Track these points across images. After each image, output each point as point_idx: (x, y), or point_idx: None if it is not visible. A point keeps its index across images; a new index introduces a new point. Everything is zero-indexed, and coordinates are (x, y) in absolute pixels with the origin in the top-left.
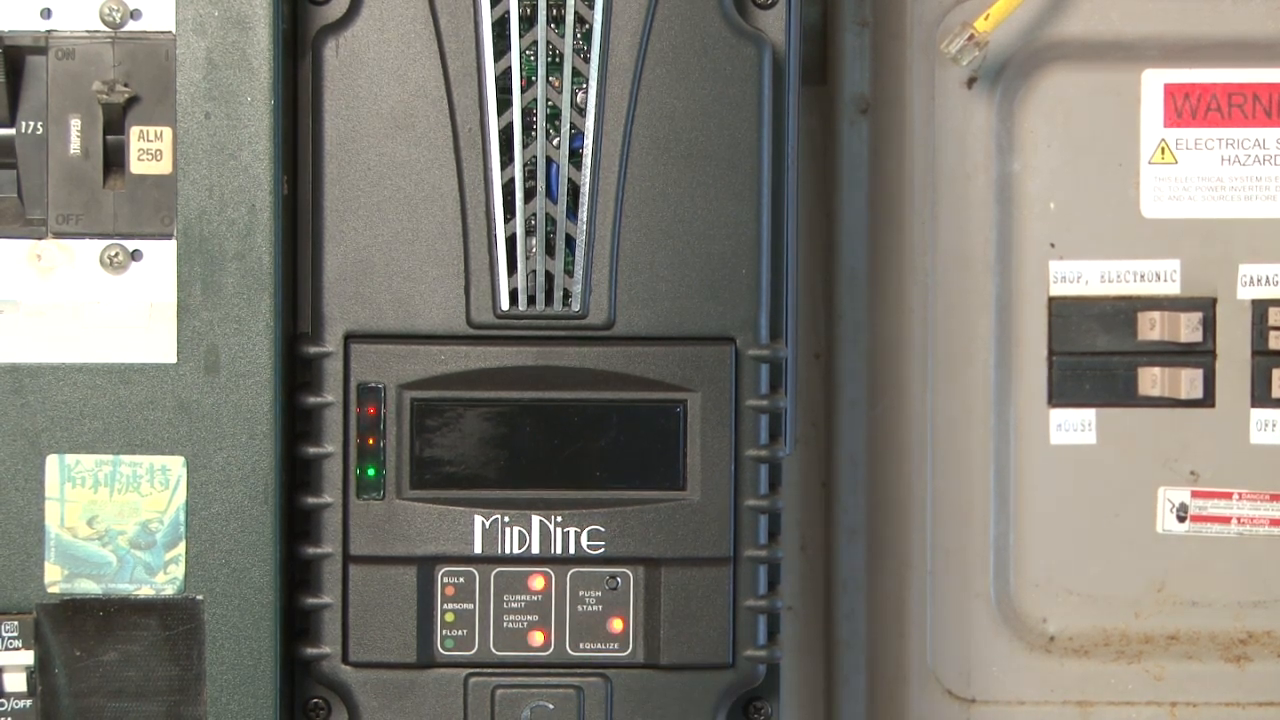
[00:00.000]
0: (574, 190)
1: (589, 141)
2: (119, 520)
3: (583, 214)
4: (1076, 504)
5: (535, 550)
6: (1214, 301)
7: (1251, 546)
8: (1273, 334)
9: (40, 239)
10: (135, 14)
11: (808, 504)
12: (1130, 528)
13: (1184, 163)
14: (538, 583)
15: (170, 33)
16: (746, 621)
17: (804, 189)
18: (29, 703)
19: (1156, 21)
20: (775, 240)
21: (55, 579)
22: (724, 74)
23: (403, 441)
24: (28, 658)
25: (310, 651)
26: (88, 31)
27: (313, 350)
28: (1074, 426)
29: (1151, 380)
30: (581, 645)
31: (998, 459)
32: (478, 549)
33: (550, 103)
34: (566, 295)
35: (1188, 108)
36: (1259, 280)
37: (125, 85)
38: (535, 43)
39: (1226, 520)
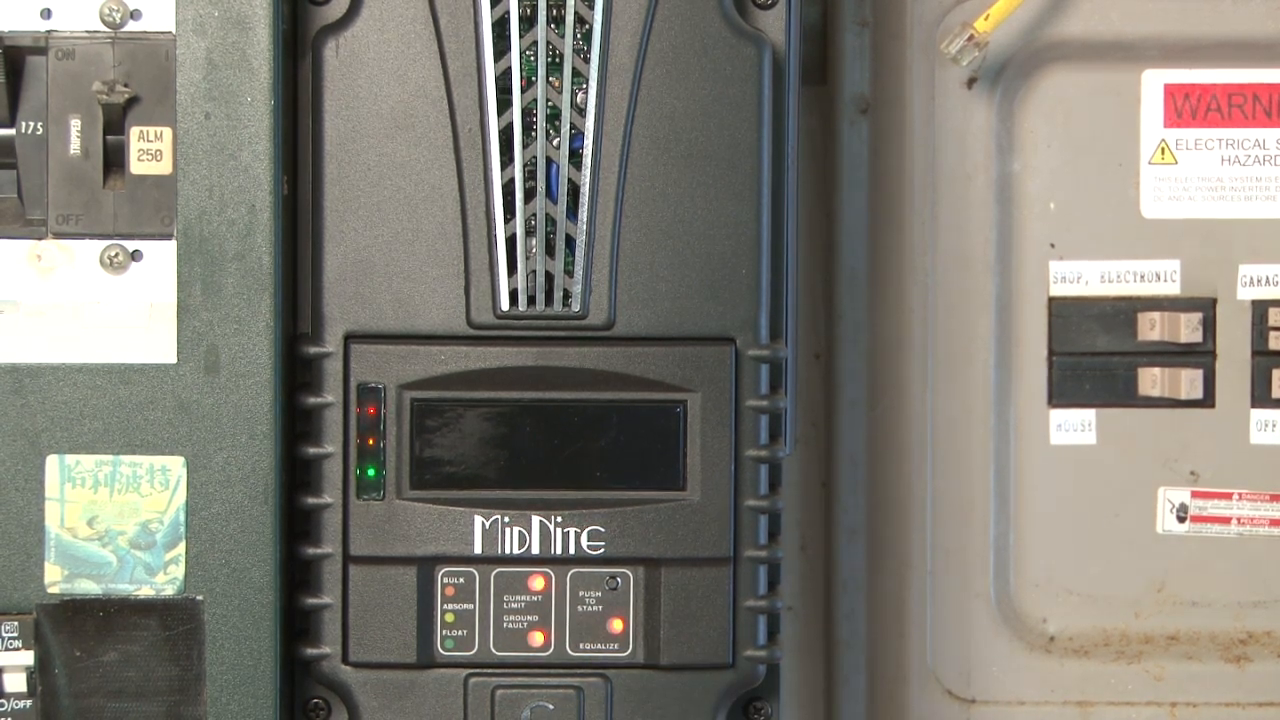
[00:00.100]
0: (574, 190)
1: (589, 141)
2: (119, 520)
3: (583, 214)
4: (1076, 504)
5: (535, 550)
6: (1214, 302)
7: (1251, 547)
8: (1273, 334)
9: (40, 239)
10: (135, 14)
11: (808, 504)
12: (1130, 528)
13: (1184, 163)
14: (538, 583)
15: (170, 33)
16: (746, 621)
17: (804, 189)
18: (29, 703)
19: (1156, 21)
20: (775, 240)
21: (55, 579)
22: (724, 74)
23: (403, 442)
24: (28, 658)
25: (310, 651)
26: (88, 32)
27: (313, 350)
28: (1074, 426)
29: (1151, 380)
30: (581, 645)
31: (998, 459)
32: (478, 549)
33: (550, 103)
34: (566, 295)
35: (1188, 108)
36: (1259, 280)
37: (125, 85)
38: (535, 43)
39: (1226, 520)
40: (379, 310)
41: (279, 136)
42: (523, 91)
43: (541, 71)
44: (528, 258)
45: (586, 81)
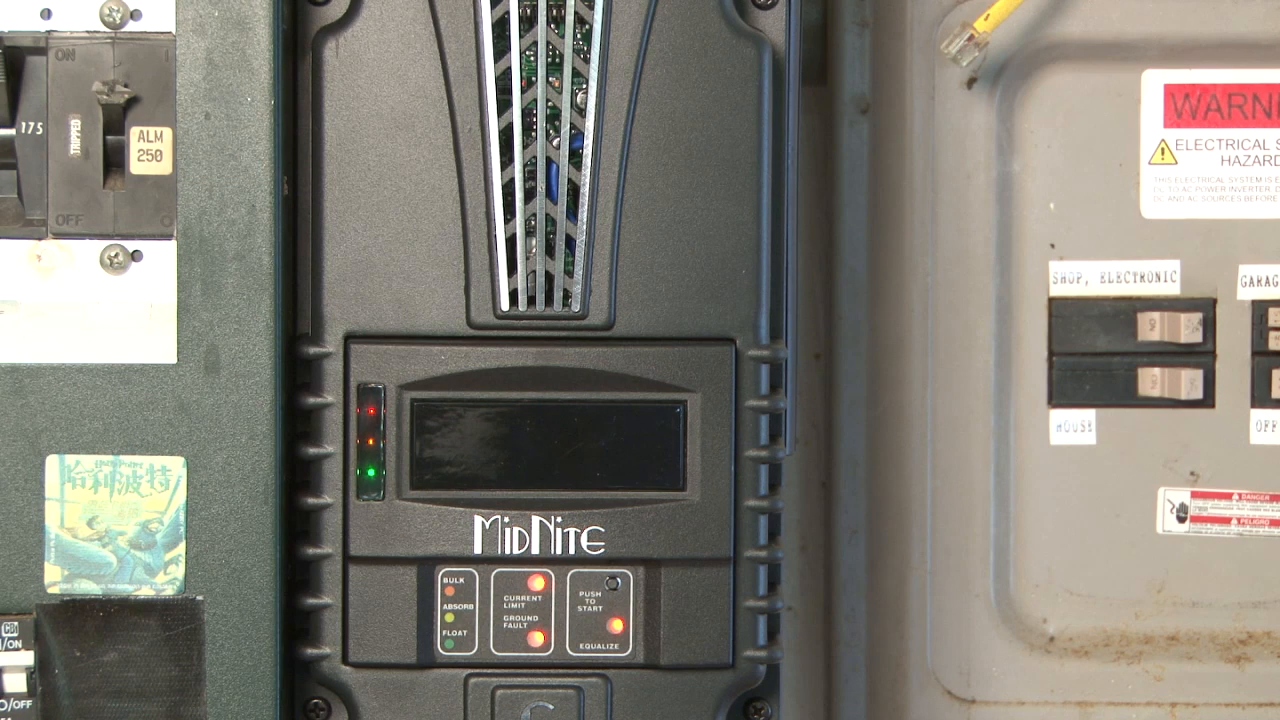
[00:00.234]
0: (574, 190)
1: (589, 142)
2: (119, 521)
3: (583, 214)
4: (1076, 504)
5: (535, 551)
6: (1214, 302)
7: (1251, 547)
8: (1273, 334)
9: (40, 239)
10: (135, 14)
11: (808, 504)
12: (1130, 528)
13: (1184, 163)
14: (538, 583)
15: (170, 33)
16: (746, 622)
17: (804, 189)
18: (29, 703)
19: (1156, 21)
20: (775, 240)
21: (55, 579)
22: (724, 74)
23: (403, 442)
24: (28, 658)
25: (310, 652)
26: (88, 32)
27: (313, 350)
28: (1074, 427)
29: (1151, 381)
30: (581, 646)
31: (998, 459)
32: (478, 549)
33: (550, 103)
34: (566, 296)
35: (1188, 108)
36: (1259, 280)
37: (125, 85)
38: (535, 43)
39: (1226, 521)
40: (379, 310)
41: (279, 136)
42: (523, 91)
43: (541, 71)
44: (528, 258)
45: (586, 81)
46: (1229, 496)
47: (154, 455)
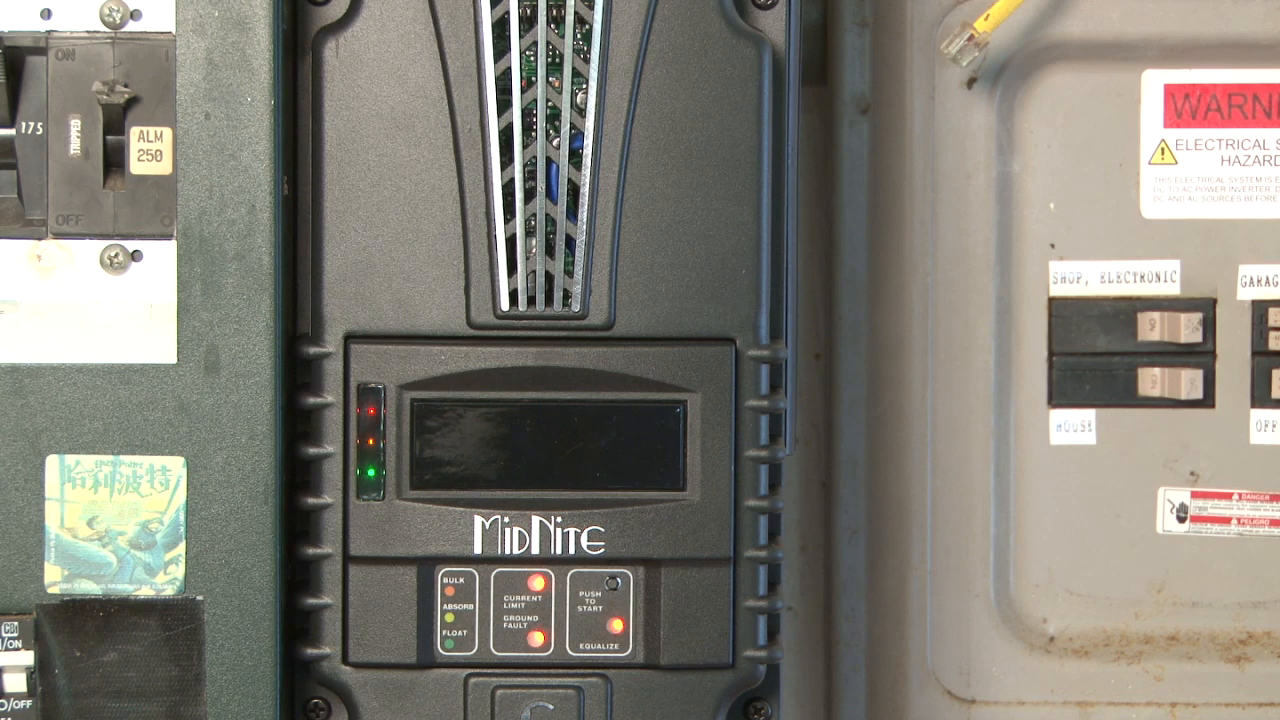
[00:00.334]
0: (574, 191)
1: (589, 142)
2: (119, 521)
3: (583, 214)
4: (1076, 504)
5: (535, 551)
6: (1214, 302)
7: (1251, 547)
8: (1273, 334)
9: (40, 239)
10: (135, 14)
11: (808, 504)
12: (1130, 528)
13: (1184, 163)
14: (538, 583)
15: (170, 33)
16: (746, 622)
17: (804, 189)
18: (29, 703)
19: (1156, 21)
20: (775, 240)
21: (55, 579)
22: (724, 74)
23: (403, 442)
24: (28, 658)
25: (310, 652)
26: (88, 32)
27: (313, 351)
28: (1074, 427)
29: (1151, 381)
30: (581, 646)
31: (998, 459)
32: (478, 549)
33: (550, 103)
34: (566, 296)
35: (1188, 108)
36: (1259, 280)
37: (125, 85)
38: (535, 43)
39: (1226, 521)
40: (379, 310)
41: (279, 136)
42: (523, 91)
43: (541, 72)
44: (528, 258)
45: (586, 81)
46: (1229, 496)
47: (154, 455)
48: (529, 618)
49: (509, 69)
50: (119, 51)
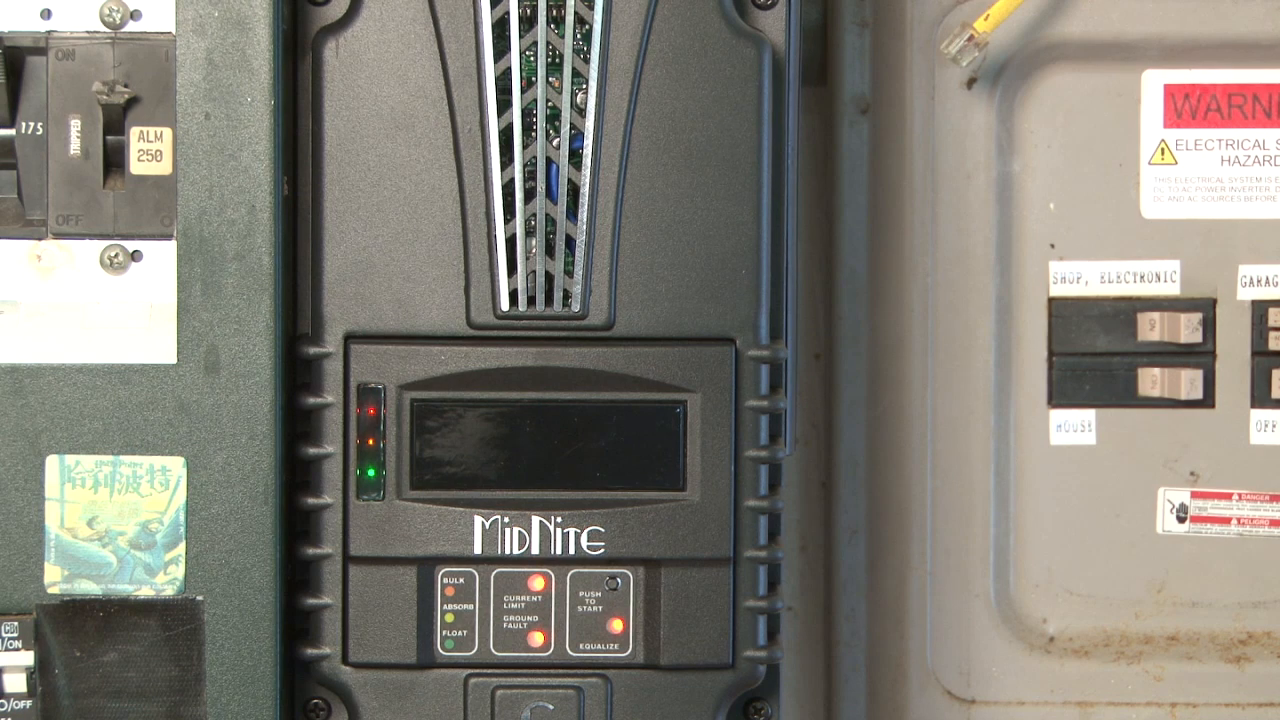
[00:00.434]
0: (574, 191)
1: (589, 142)
2: (119, 521)
3: (583, 214)
4: (1076, 504)
5: (535, 551)
6: (1214, 302)
7: (1251, 547)
8: (1273, 334)
9: (40, 239)
10: (135, 14)
11: (808, 504)
12: (1130, 528)
13: (1184, 163)
14: (538, 583)
15: (170, 33)
16: (746, 622)
17: (804, 189)
18: (29, 703)
19: (1156, 21)
20: (775, 240)
21: (55, 579)
22: (724, 74)
23: (403, 442)
24: (28, 658)
25: (310, 652)
26: (88, 32)
27: (313, 351)
28: (1074, 427)
29: (1151, 381)
30: (581, 646)
31: (998, 459)
32: (478, 550)
33: (550, 103)
34: (566, 296)
35: (1188, 108)
36: (1259, 280)
37: (125, 86)
38: (535, 43)
39: (1226, 521)
40: (379, 310)
41: (279, 136)
42: (523, 92)
43: (541, 72)
44: (528, 258)
45: (586, 82)
46: (1229, 496)
47: (154, 455)
48: (529, 618)
49: (509, 69)
50: (119, 51)
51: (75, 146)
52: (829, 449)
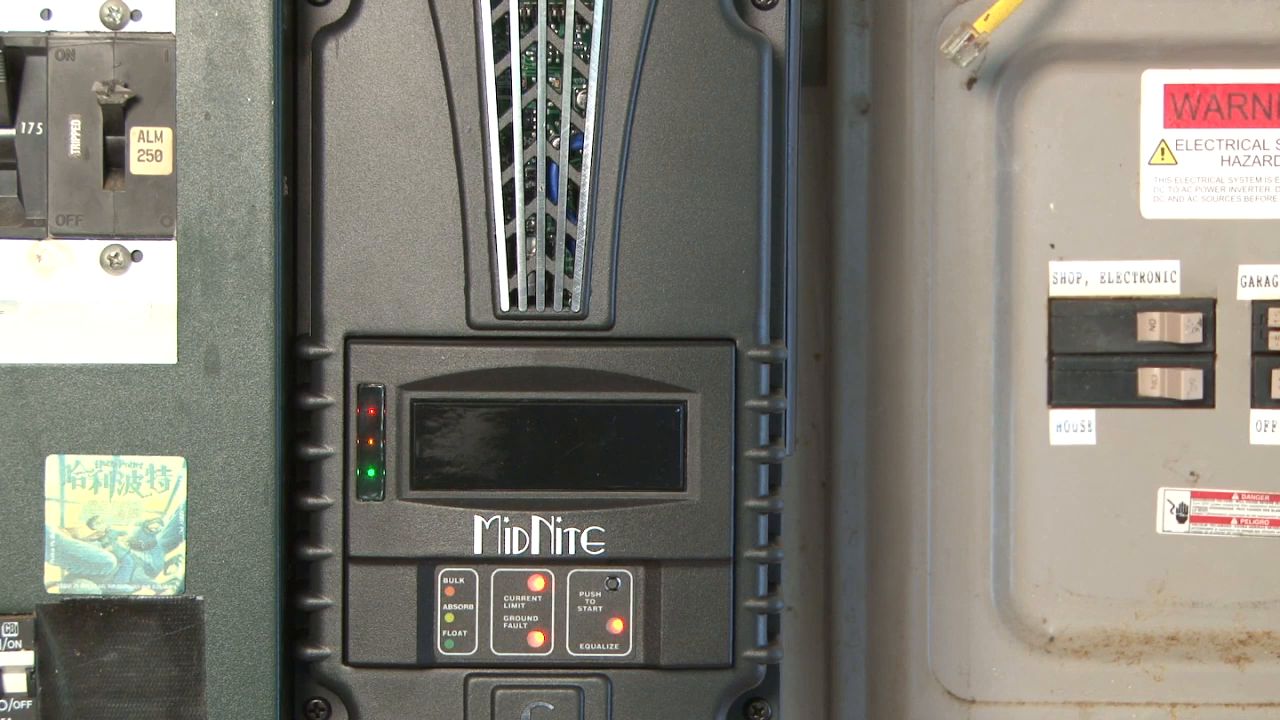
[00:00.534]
0: (574, 191)
1: (589, 142)
2: (119, 521)
3: (583, 214)
4: (1076, 504)
5: (535, 551)
6: (1214, 302)
7: (1251, 547)
8: (1273, 334)
9: (40, 239)
10: (135, 14)
11: (808, 504)
12: (1130, 528)
13: (1184, 163)
14: (538, 583)
15: (170, 33)
16: (746, 622)
17: (804, 189)
18: (29, 703)
19: (1156, 21)
20: (775, 240)
21: (55, 579)
22: (724, 74)
23: (403, 442)
24: (28, 658)
25: (310, 652)
26: (88, 32)
27: (313, 351)
28: (1074, 427)
29: (1151, 381)
30: (581, 646)
31: (998, 459)
32: (478, 550)
33: (550, 103)
34: (566, 296)
35: (1188, 108)
36: (1259, 281)
37: (125, 86)
38: (535, 43)
39: (1226, 521)
40: (379, 310)
41: (279, 136)
42: (523, 92)
43: (541, 72)
44: (528, 258)
45: (586, 81)
46: (1229, 496)
47: (154, 455)
48: (529, 618)
49: (509, 69)
50: (119, 51)
51: (75, 146)
52: (829, 449)
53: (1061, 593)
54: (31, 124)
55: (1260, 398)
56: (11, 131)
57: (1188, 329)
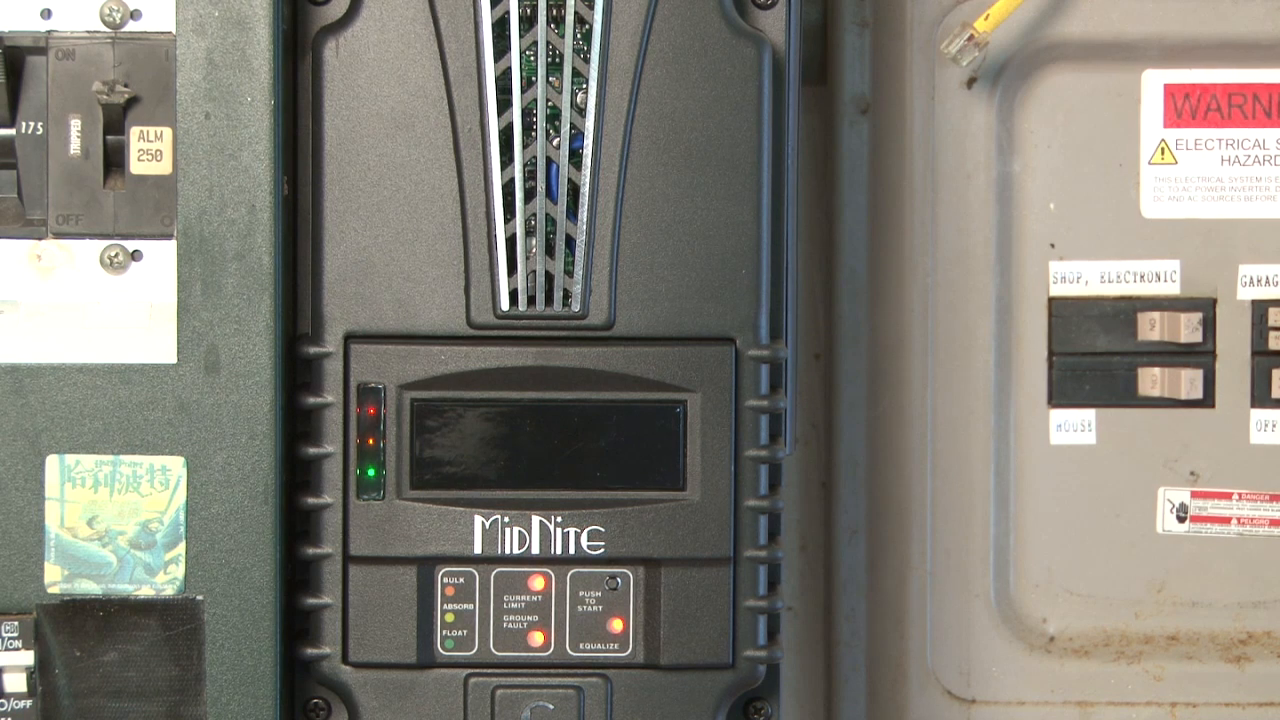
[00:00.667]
0: (574, 190)
1: (589, 142)
2: (119, 520)
3: (583, 214)
4: (1076, 504)
5: (535, 551)
6: (1214, 302)
7: (1251, 547)
8: (1273, 334)
9: (40, 239)
10: (135, 14)
11: (808, 504)
12: (1130, 528)
13: (1184, 163)
14: (538, 583)
15: (170, 33)
16: (746, 621)
17: (804, 189)
18: (29, 703)
19: (1156, 21)
20: (775, 240)
21: (55, 579)
22: (724, 74)
23: (403, 442)
24: (28, 658)
25: (310, 652)
26: (88, 32)
27: (313, 350)
28: (1074, 427)
29: (1151, 380)
30: (581, 645)
31: (998, 459)
32: (478, 549)
33: (550, 103)
34: (566, 295)
35: (1188, 108)
36: (1259, 280)
37: (125, 85)
38: (535, 43)
39: (1226, 520)
40: (379, 310)
41: (279, 136)
42: (523, 91)
43: (541, 71)
44: (528, 258)
45: (586, 81)
46: (1229, 496)
47: (154, 455)
48: (529, 618)
49: (509, 69)
50: (119, 51)
51: (75, 146)
52: (829, 449)
53: (1061, 592)
54: (31, 124)
55: (1260, 397)
56: (11, 131)
57: (1188, 329)
